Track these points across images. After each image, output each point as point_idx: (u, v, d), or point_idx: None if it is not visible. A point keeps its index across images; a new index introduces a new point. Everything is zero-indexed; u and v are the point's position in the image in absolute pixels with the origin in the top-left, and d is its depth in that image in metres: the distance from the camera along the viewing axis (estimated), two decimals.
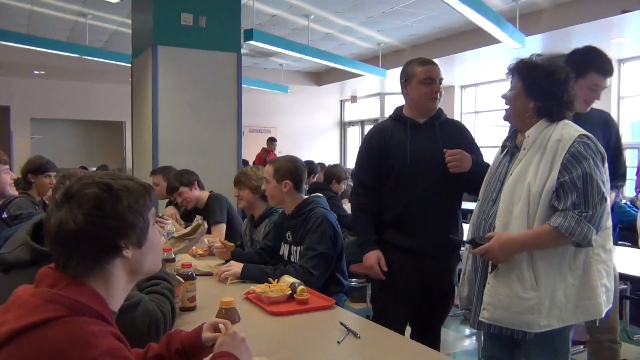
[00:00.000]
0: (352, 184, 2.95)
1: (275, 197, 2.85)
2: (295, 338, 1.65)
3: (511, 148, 2.14)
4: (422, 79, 2.54)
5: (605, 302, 1.99)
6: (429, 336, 2.62)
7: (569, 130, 1.97)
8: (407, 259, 2.53)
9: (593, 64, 2.63)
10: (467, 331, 4.49)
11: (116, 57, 8.47)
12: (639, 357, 3.73)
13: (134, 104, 6.31)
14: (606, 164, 1.99)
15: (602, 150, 1.97)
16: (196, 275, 2.33)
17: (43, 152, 8.30)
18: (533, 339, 1.97)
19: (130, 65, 6.48)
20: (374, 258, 2.52)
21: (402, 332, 2.48)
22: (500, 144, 2.26)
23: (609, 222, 2.01)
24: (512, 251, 1.92)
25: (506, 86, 2.20)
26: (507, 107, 2.12)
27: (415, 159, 2.52)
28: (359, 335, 1.77)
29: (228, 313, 1.55)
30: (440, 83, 2.58)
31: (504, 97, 2.12)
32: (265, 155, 11.12)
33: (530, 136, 2.01)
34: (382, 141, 2.60)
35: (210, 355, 1.30)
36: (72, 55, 8.34)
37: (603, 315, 1.98)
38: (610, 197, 2.06)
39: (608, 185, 1.96)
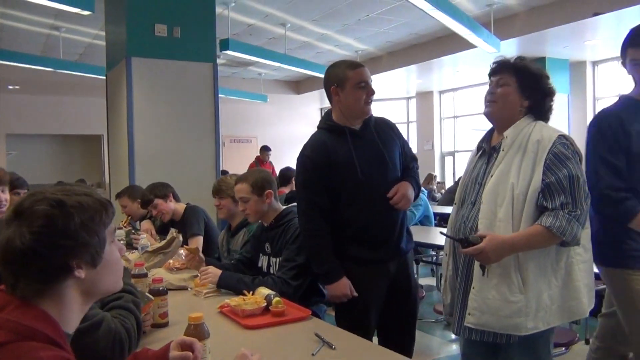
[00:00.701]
0: (297, 210, 2.57)
1: (258, 212, 2.73)
2: (269, 352, 1.61)
3: (488, 150, 2.12)
4: (356, 82, 2.38)
5: (588, 301, 1.98)
6: (407, 336, 2.58)
7: (547, 130, 1.97)
8: (373, 271, 2.45)
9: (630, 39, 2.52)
10: (453, 336, 4.47)
11: (91, 70, 8.39)
12: None
13: (109, 117, 6.23)
14: (583, 163, 2.00)
15: (579, 150, 1.98)
16: (170, 289, 2.28)
17: (19, 168, 8.15)
18: (515, 343, 1.95)
19: (105, 77, 6.41)
20: (346, 286, 2.37)
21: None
22: (476, 146, 2.23)
23: (587, 222, 1.99)
24: (504, 252, 1.88)
25: (484, 90, 2.14)
26: (490, 103, 2.07)
27: (365, 171, 2.39)
28: (334, 347, 1.73)
29: (197, 329, 1.49)
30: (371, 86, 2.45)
31: (491, 92, 2.07)
32: (258, 165, 10.19)
33: (509, 137, 2.00)
34: (326, 157, 2.39)
35: None
36: (47, 69, 8.24)
37: (587, 314, 1.97)
38: None
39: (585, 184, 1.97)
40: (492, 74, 2.11)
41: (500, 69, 2.07)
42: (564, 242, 1.87)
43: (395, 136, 2.57)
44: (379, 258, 2.45)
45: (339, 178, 2.39)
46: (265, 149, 10.35)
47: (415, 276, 2.73)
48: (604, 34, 8.17)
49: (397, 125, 2.71)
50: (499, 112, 2.05)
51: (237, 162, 11.89)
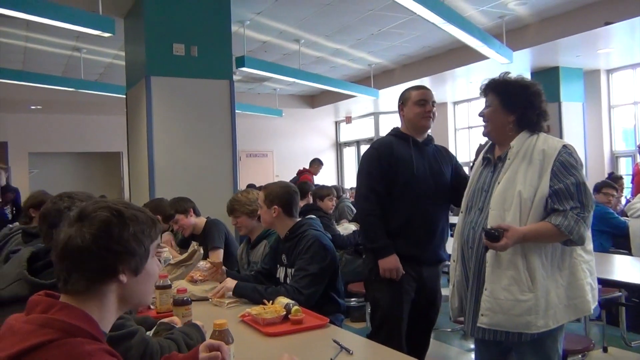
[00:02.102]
0: (355, 194, 3.11)
1: (266, 222, 2.96)
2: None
3: (493, 160, 2.23)
4: (416, 100, 2.84)
5: (592, 299, 2.08)
6: (423, 338, 2.75)
7: (552, 141, 2.11)
8: (409, 267, 2.73)
9: None
10: (471, 346, 4.49)
11: (111, 89, 8.59)
12: None
13: (129, 134, 6.39)
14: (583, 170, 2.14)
15: (580, 159, 2.11)
16: (192, 300, 2.37)
17: (41, 185, 8.37)
18: (528, 342, 2.04)
19: (125, 96, 6.59)
20: (397, 260, 2.70)
21: (401, 341, 2.62)
22: (480, 157, 2.35)
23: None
24: (517, 242, 2.01)
25: None
26: (485, 123, 2.22)
27: (419, 171, 2.77)
28: (351, 352, 1.80)
29: (221, 335, 1.58)
30: (433, 105, 2.86)
31: (481, 115, 2.22)
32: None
33: (515, 146, 2.13)
34: (389, 152, 2.81)
35: None
36: (69, 89, 8.47)
37: (592, 312, 2.08)
38: None
39: None
40: (482, 95, 2.27)
41: (486, 90, 2.24)
42: (570, 241, 1.99)
43: (449, 159, 2.97)
44: (413, 255, 2.73)
45: (396, 172, 2.76)
46: (318, 162, 9.86)
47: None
48: (617, 43, 8.18)
49: None
50: (493, 131, 2.22)
51: (254, 176, 12.03)
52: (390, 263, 2.69)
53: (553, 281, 2.03)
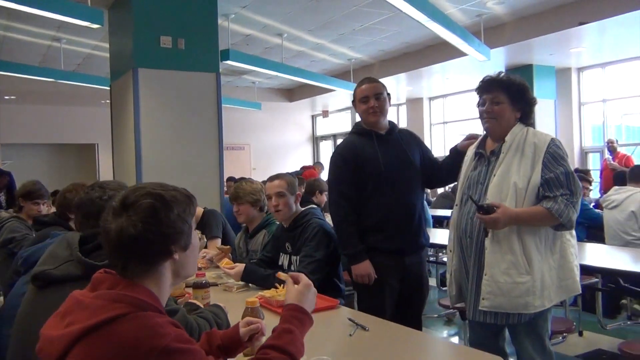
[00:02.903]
0: (328, 201, 3.09)
1: (290, 209, 2.96)
2: (310, 334, 1.79)
3: (486, 154, 2.40)
4: (359, 97, 2.87)
5: (579, 280, 2.30)
6: (414, 322, 2.85)
7: (541, 134, 2.31)
8: (390, 260, 2.77)
9: None
10: (453, 331, 4.69)
11: (92, 80, 8.53)
12: (612, 347, 3.98)
13: (114, 126, 6.38)
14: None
15: (566, 150, 2.32)
16: None
17: (15, 177, 8.25)
18: (523, 324, 2.23)
19: (108, 87, 6.57)
20: (368, 267, 2.72)
21: None
22: (473, 152, 2.51)
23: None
24: (510, 222, 2.19)
25: (472, 96, 2.51)
26: (489, 119, 2.36)
27: (388, 166, 2.78)
28: (367, 328, 1.94)
29: (253, 312, 1.70)
30: (378, 99, 2.83)
31: (489, 111, 2.35)
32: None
33: (508, 141, 2.32)
34: (354, 154, 2.82)
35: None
36: (46, 79, 8.36)
37: (580, 291, 2.29)
38: None
39: None
40: (484, 91, 2.40)
41: (491, 87, 2.37)
42: (561, 225, 2.18)
43: (416, 143, 2.96)
44: (395, 248, 2.76)
45: (364, 172, 2.78)
46: (320, 165, 10.46)
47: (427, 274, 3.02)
48: (589, 42, 8.51)
49: None
50: (498, 127, 2.36)
51: (232, 168, 12.02)
52: (363, 269, 2.71)
53: (547, 264, 2.21)
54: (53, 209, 3.55)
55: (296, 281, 1.59)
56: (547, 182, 2.19)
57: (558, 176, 2.19)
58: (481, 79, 2.42)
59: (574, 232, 2.33)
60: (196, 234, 1.39)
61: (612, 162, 8.52)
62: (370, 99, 2.83)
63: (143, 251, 1.23)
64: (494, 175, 2.29)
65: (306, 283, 1.54)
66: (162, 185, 1.32)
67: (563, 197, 2.16)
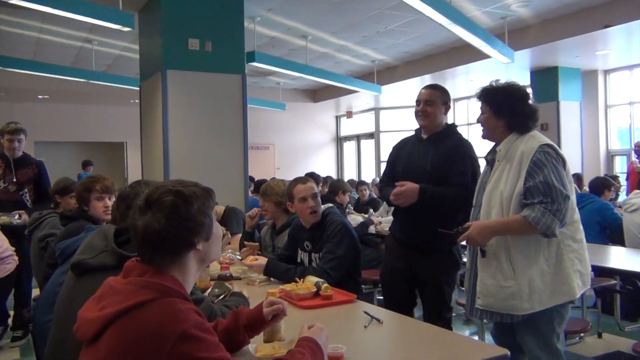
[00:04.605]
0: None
1: (320, 211, 3.11)
2: (326, 326, 1.90)
3: (491, 160, 2.50)
4: (415, 100, 3.07)
5: (580, 285, 2.33)
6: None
7: (532, 142, 2.35)
8: (399, 247, 3.07)
9: None
10: (471, 330, 4.75)
11: (122, 81, 8.77)
12: (631, 349, 3.99)
13: (143, 125, 6.58)
14: (568, 166, 2.35)
15: (562, 155, 2.34)
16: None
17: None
18: (521, 322, 2.32)
19: (138, 88, 6.78)
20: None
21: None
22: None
23: (575, 216, 2.38)
24: (487, 234, 2.31)
25: None
26: (482, 128, 2.52)
27: (405, 168, 3.03)
28: (381, 321, 2.04)
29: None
30: (428, 104, 2.99)
31: (478, 121, 2.51)
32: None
33: (502, 150, 2.41)
34: (395, 151, 3.23)
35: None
36: (78, 79, 8.64)
37: (577, 296, 2.32)
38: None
39: (570, 185, 2.32)
40: (478, 101, 2.53)
41: (480, 97, 2.51)
42: (544, 233, 2.22)
43: (453, 154, 2.96)
44: (402, 238, 3.07)
45: (395, 169, 3.13)
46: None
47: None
48: (615, 45, 8.44)
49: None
50: (487, 134, 2.51)
51: (256, 168, 12.18)
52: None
53: (538, 269, 2.27)
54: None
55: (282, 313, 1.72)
56: (529, 190, 2.25)
57: (537, 185, 2.22)
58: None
59: (578, 237, 2.36)
60: (217, 225, 1.49)
61: (638, 164, 8.41)
62: (421, 103, 3.03)
63: (168, 244, 1.35)
64: (489, 183, 2.41)
65: (320, 326, 1.65)
66: (181, 182, 1.43)
67: (541, 205, 2.19)
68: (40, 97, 11.62)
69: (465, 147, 3.02)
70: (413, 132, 3.19)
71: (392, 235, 3.20)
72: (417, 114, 3.04)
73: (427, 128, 3.04)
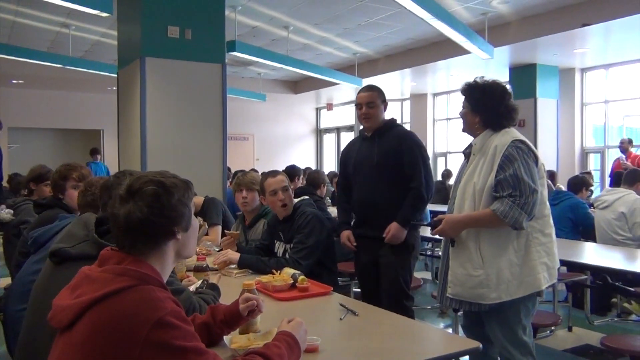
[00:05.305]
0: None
1: (292, 203, 3.17)
2: (302, 318, 1.91)
3: (468, 154, 2.56)
4: (356, 103, 3.25)
5: (546, 278, 2.38)
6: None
7: (505, 137, 2.41)
8: (363, 242, 3.19)
9: None
10: (446, 323, 4.81)
11: (100, 67, 8.63)
12: (598, 342, 4.09)
13: (120, 113, 6.48)
14: (540, 162, 2.41)
15: (535, 150, 2.41)
16: None
17: (20, 160, 8.39)
18: (489, 311, 2.38)
19: (116, 75, 6.67)
20: (344, 235, 3.25)
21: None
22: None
23: (546, 211, 2.43)
24: (458, 228, 2.39)
25: None
26: (462, 122, 2.59)
27: (356, 166, 3.22)
28: (357, 313, 2.06)
29: (250, 293, 1.81)
30: (370, 107, 3.16)
31: (460, 114, 2.58)
32: None
33: (477, 144, 2.48)
34: (344, 153, 3.41)
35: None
36: (54, 65, 8.48)
37: (543, 288, 2.38)
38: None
39: (540, 179, 2.37)
40: (462, 95, 2.60)
41: (462, 93, 2.58)
42: (512, 225, 2.27)
43: (397, 147, 3.12)
44: (362, 233, 3.20)
45: (346, 169, 3.32)
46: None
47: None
48: (593, 44, 8.57)
49: None
50: (466, 128, 2.59)
51: (234, 158, 12.14)
52: (341, 237, 3.30)
53: (506, 260, 2.32)
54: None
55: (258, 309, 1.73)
56: (499, 183, 2.31)
57: (507, 178, 2.29)
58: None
59: (547, 231, 2.42)
60: (194, 217, 1.50)
61: (625, 161, 8.35)
62: (362, 107, 3.17)
63: (149, 232, 1.35)
64: (464, 176, 2.47)
65: (299, 320, 1.65)
66: (161, 174, 1.44)
67: (510, 199, 2.25)
68: (14, 81, 11.38)
69: (410, 137, 3.19)
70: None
71: (353, 231, 3.28)
72: (361, 117, 3.20)
73: (370, 127, 3.21)
